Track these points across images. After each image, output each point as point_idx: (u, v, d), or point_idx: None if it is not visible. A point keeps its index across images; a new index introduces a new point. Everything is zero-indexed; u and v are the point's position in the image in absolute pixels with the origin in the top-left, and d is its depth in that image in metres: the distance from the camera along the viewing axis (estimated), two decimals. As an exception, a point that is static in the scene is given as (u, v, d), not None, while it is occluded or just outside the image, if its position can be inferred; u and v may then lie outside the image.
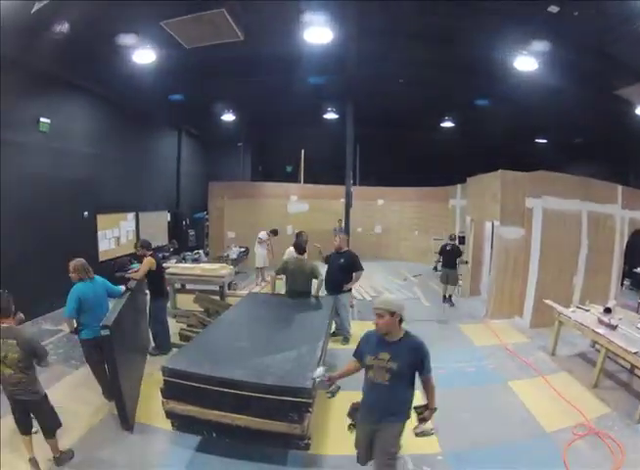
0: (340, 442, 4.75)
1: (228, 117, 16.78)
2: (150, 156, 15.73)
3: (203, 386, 4.31)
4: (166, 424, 4.70)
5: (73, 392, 6.14)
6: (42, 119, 10.15)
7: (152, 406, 5.41)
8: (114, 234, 13.31)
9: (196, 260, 15.00)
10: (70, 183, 11.15)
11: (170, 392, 4.44)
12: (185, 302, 9.83)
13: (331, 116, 16.14)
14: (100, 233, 12.50)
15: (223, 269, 10.23)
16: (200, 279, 10.01)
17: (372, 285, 13.41)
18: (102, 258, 12.41)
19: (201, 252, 16.55)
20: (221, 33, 8.29)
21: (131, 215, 14.37)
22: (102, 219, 12.63)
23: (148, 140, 15.62)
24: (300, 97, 13.52)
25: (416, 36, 9.04)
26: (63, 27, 8.05)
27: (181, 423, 4.55)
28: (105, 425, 5.34)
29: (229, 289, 10.50)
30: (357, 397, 4.03)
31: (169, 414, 4.53)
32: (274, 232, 13.90)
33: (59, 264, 9.34)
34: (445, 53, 9.89)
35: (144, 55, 9.35)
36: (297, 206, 18.19)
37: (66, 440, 4.86)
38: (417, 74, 11.29)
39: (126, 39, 8.80)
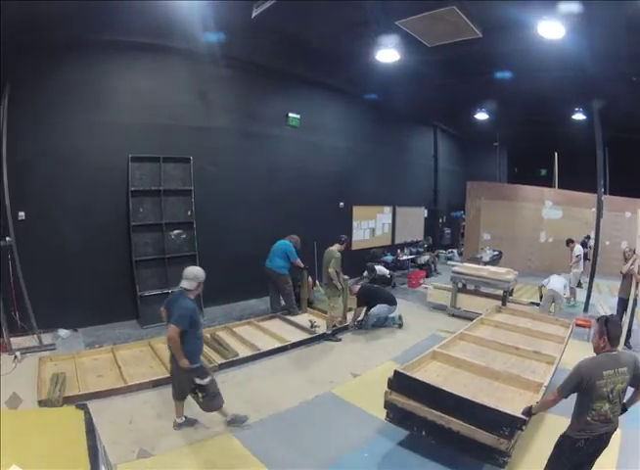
0: (533, 467, 4.49)
1: (481, 115, 16.49)
2: (406, 152, 16.18)
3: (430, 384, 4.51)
4: (379, 413, 4.97)
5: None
6: (291, 115, 11.33)
7: (369, 394, 5.58)
8: (370, 225, 14.20)
9: (449, 259, 15.35)
10: (326, 175, 12.23)
11: (397, 384, 4.65)
12: (465, 302, 10.00)
13: (579, 117, 14.99)
14: (355, 223, 13.47)
15: (509, 274, 9.88)
16: (484, 281, 9.88)
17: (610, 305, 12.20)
18: (354, 247, 13.25)
19: (455, 251, 16.97)
20: (459, 31, 8.26)
21: (388, 209, 15.13)
22: (357, 211, 13.57)
23: (404, 137, 16.04)
24: (546, 96, 12.77)
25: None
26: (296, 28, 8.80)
27: (396, 416, 4.70)
28: (319, 401, 5.98)
29: (510, 295, 10.02)
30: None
31: (388, 405, 4.72)
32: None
33: (310, 248, 10.78)
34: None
35: (388, 54, 9.52)
36: (551, 212, 17.20)
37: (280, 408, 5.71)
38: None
39: (374, 39, 9.05)
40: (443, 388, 4.37)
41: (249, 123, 10.75)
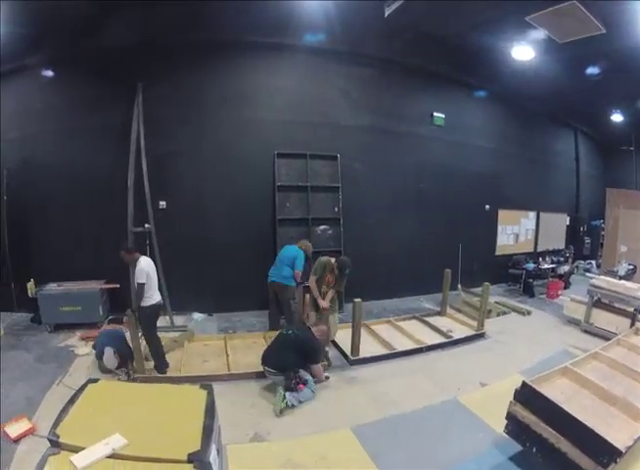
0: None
1: (617, 117, 15.89)
2: (548, 155, 15.89)
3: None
4: (498, 425, 5.07)
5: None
6: (436, 114, 11.68)
7: (492, 405, 5.66)
8: (514, 230, 14.30)
9: (587, 271, 15.00)
10: (471, 176, 12.43)
11: (522, 396, 4.75)
12: (599, 318, 9.54)
13: None
14: (499, 227, 13.67)
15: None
16: (618, 297, 9.40)
17: None
18: (498, 252, 13.61)
19: (593, 262, 16.41)
20: (583, 26, 8.32)
21: (532, 214, 15.06)
22: (503, 214, 13.71)
23: (544, 138, 15.71)
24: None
25: None
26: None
27: (514, 428, 4.80)
28: (442, 407, 6.11)
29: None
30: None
31: (509, 416, 4.84)
32: None
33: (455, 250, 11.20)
34: None
35: (523, 51, 9.81)
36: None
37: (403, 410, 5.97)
38: None
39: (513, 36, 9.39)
40: (561, 405, 4.44)
41: (393, 122, 11.29)
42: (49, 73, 9.47)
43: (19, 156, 9.47)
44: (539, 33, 9.03)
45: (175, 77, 9.51)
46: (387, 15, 8.00)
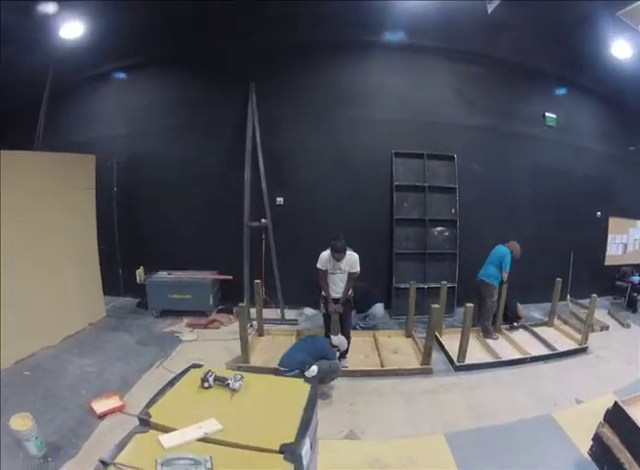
0: None
1: None
2: None
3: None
4: (584, 445, 4.93)
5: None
6: (547, 114, 11.44)
7: (582, 424, 5.38)
8: (623, 240, 13.81)
9: None
10: (583, 180, 12.08)
11: (612, 416, 4.65)
12: None
13: None
14: (610, 236, 13.29)
15: None
16: None
17: None
18: (608, 262, 13.24)
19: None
20: None
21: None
22: (614, 222, 13.28)
23: None
24: None
25: None
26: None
27: (597, 450, 4.67)
28: (535, 422, 5.99)
29: None
30: None
31: (596, 437, 4.72)
32: None
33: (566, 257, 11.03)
34: None
35: (621, 49, 9.56)
36: None
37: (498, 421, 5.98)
38: None
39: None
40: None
41: (507, 122, 11.17)
42: (160, 72, 10.49)
43: (129, 150, 10.61)
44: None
45: (289, 77, 10.03)
46: (489, 11, 8.05)
